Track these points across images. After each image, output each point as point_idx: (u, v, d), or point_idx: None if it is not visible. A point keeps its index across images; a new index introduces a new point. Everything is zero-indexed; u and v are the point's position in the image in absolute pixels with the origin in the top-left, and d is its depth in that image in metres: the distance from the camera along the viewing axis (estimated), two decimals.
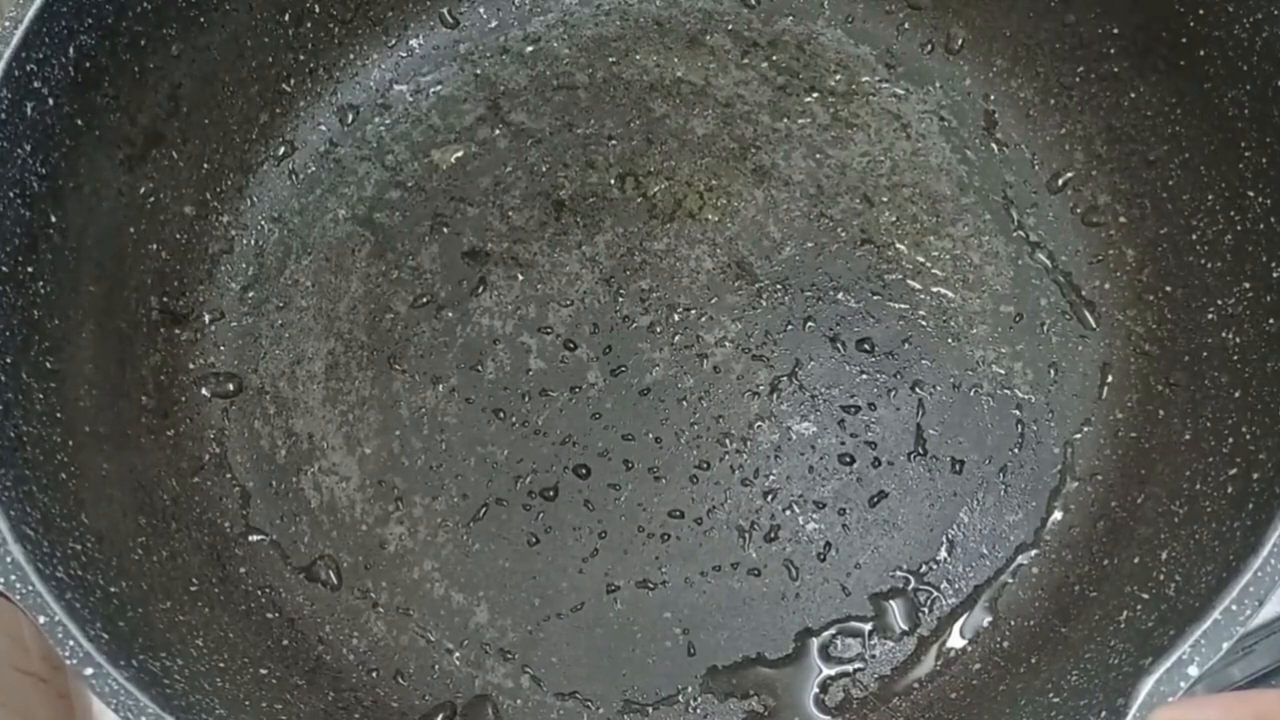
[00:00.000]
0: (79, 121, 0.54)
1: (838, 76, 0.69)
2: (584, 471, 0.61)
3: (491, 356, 0.63)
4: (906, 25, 0.69)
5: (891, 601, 0.59)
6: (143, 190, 0.60)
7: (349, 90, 0.69)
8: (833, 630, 0.58)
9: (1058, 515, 0.60)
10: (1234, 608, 0.43)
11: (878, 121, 0.68)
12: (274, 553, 0.60)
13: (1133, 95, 0.62)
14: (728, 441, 0.61)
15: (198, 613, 0.54)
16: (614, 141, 0.68)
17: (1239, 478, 0.51)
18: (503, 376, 0.63)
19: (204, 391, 0.63)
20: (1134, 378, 0.61)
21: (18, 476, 0.48)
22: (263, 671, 0.55)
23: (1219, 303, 0.57)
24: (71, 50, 0.53)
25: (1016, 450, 0.61)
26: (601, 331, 0.64)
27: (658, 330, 0.63)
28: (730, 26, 0.70)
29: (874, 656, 0.58)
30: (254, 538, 0.61)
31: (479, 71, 0.70)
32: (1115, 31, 0.62)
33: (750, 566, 0.59)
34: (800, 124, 0.68)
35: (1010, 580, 0.59)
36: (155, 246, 0.62)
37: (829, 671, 0.58)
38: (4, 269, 0.51)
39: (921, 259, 0.65)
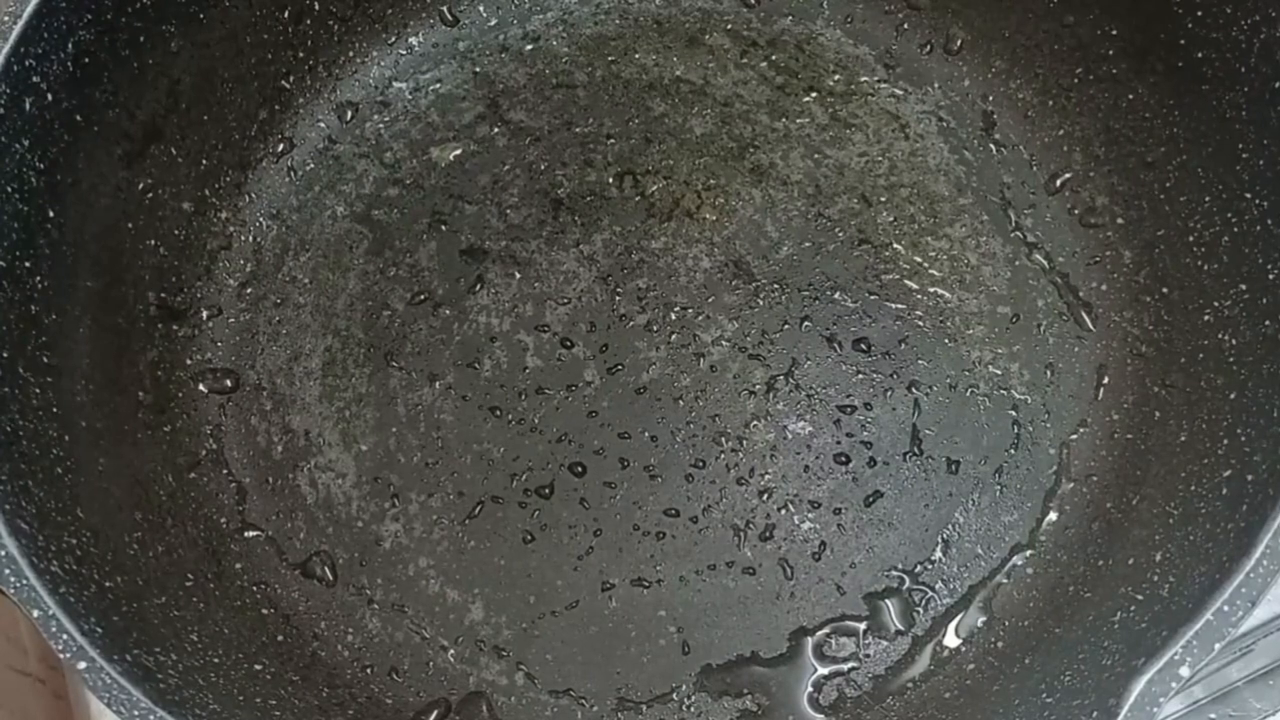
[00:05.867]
0: (77, 117, 0.54)
1: (836, 76, 0.69)
2: (580, 469, 0.61)
3: (488, 354, 0.63)
4: (906, 26, 0.69)
5: (886, 601, 0.59)
6: (141, 186, 0.60)
7: (348, 87, 0.69)
8: (827, 629, 0.58)
9: (1053, 516, 0.60)
10: (1226, 609, 0.43)
11: (876, 122, 0.68)
12: (270, 549, 0.60)
13: (1131, 97, 0.62)
14: (724, 440, 0.61)
15: (192, 608, 0.54)
16: (612, 140, 0.68)
17: (1234, 479, 0.51)
18: (499, 374, 0.63)
19: (201, 387, 0.63)
20: (1130, 379, 0.61)
21: (13, 470, 0.48)
22: (257, 667, 0.55)
23: (1215, 305, 0.57)
24: (70, 45, 0.53)
25: (1012, 451, 0.61)
26: (598, 330, 0.64)
27: (654, 329, 0.64)
28: (729, 26, 0.70)
29: (868, 656, 0.58)
30: (250, 533, 0.61)
31: (478, 69, 0.70)
32: (1114, 33, 0.62)
33: (745, 565, 0.59)
34: (799, 124, 0.68)
35: (1005, 580, 0.59)
36: (153, 242, 0.62)
37: (823, 670, 0.58)
38: (2, 264, 0.51)
39: (919, 259, 0.65)
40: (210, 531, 0.60)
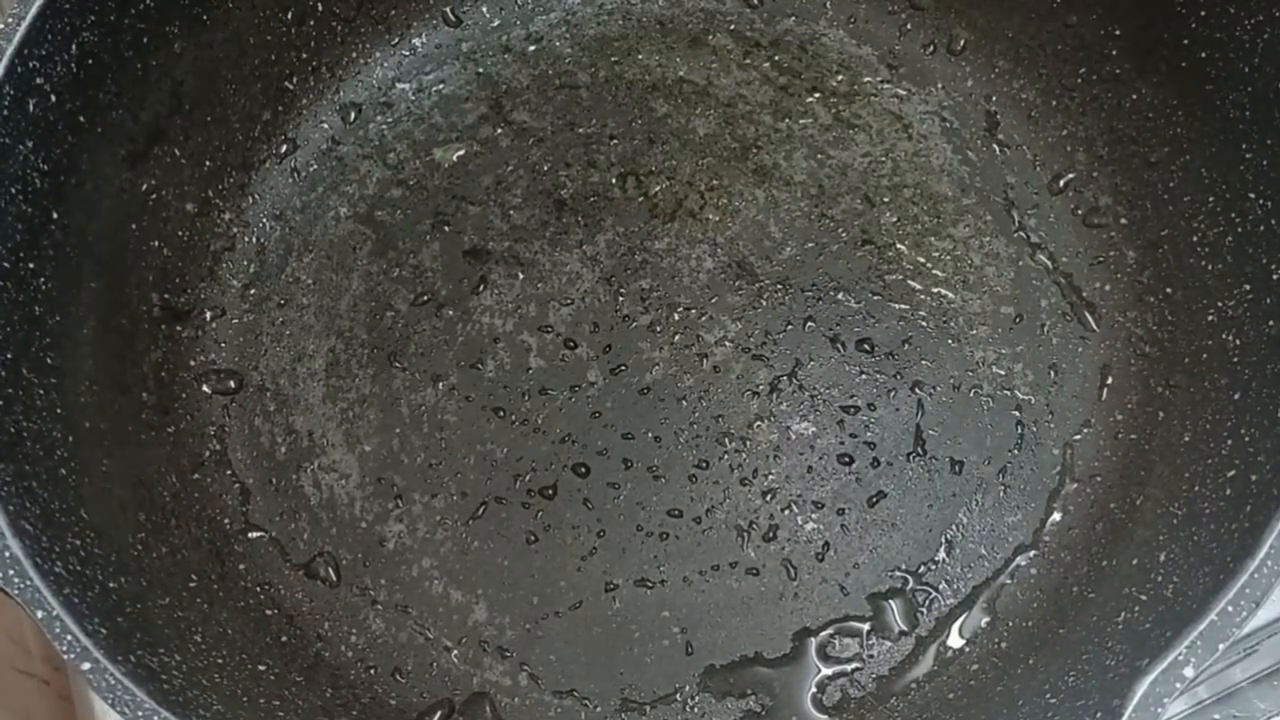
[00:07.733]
0: (81, 118, 0.55)
1: (840, 77, 0.69)
2: (583, 470, 0.61)
3: (492, 355, 0.63)
4: (909, 26, 0.69)
5: (890, 602, 0.59)
6: (145, 187, 0.60)
7: (351, 88, 0.69)
8: (831, 630, 0.58)
9: (1056, 516, 0.60)
10: (1230, 609, 0.43)
11: (879, 122, 0.68)
12: (273, 549, 0.60)
13: (1134, 97, 0.62)
14: (727, 441, 0.61)
15: (196, 609, 0.54)
16: (616, 141, 0.68)
17: (1237, 480, 0.51)
18: (503, 375, 0.63)
19: (205, 388, 0.63)
20: (1134, 379, 0.61)
21: (17, 472, 0.48)
22: (261, 668, 0.55)
23: (1219, 305, 0.57)
24: (74, 47, 0.53)
25: (1016, 451, 0.61)
26: (601, 330, 0.64)
27: (658, 329, 0.64)
28: (733, 27, 0.70)
29: (872, 656, 0.58)
30: (253, 534, 0.61)
31: (481, 70, 0.70)
32: (1117, 33, 0.62)
33: (749, 566, 0.59)
34: (802, 124, 0.68)
35: (1009, 581, 0.59)
36: (157, 243, 0.62)
37: (827, 671, 0.58)
38: (6, 265, 0.51)
39: (922, 260, 0.65)
40: (214, 532, 0.60)
